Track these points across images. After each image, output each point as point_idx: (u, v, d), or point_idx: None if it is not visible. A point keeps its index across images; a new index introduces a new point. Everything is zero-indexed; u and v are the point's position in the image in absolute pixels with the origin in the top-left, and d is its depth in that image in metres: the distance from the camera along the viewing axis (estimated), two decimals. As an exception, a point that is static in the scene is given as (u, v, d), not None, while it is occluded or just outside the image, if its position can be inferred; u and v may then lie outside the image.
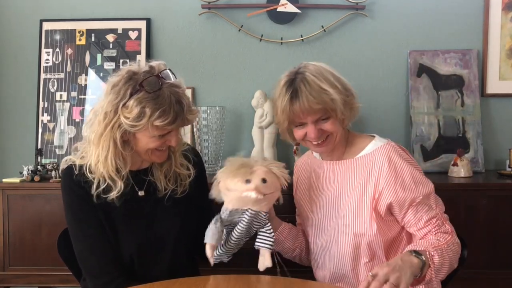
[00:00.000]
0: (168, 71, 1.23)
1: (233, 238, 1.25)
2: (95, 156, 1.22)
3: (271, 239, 1.25)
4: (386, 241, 1.30)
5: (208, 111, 2.13)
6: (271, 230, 1.26)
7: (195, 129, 2.17)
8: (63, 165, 1.30)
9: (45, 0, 2.31)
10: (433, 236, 1.24)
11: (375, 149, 1.32)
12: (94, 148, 1.22)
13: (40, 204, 1.90)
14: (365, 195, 1.29)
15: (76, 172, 1.25)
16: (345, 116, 1.31)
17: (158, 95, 1.16)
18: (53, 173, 1.96)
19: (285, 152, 2.23)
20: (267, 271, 1.27)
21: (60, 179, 1.90)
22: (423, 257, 1.13)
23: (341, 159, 1.38)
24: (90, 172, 1.24)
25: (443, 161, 2.12)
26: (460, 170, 1.98)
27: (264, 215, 1.24)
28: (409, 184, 1.26)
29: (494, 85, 2.22)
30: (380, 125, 2.24)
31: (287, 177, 1.26)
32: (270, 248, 1.24)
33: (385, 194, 1.27)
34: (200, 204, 1.40)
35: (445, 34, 2.23)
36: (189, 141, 2.21)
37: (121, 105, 1.17)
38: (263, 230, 1.26)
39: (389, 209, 1.28)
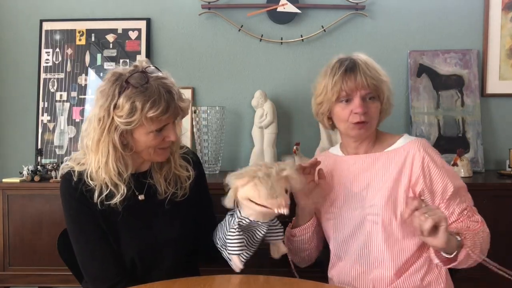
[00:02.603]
0: (153, 67, 1.23)
1: (255, 245, 1.27)
2: (95, 163, 1.21)
3: (281, 230, 1.28)
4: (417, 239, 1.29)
5: (208, 111, 2.13)
6: (278, 222, 1.28)
7: (195, 129, 2.17)
8: (61, 172, 1.29)
9: (45, 0, 2.32)
10: (463, 224, 1.27)
11: (407, 142, 1.35)
12: (93, 155, 1.21)
13: (40, 204, 1.90)
14: (400, 185, 1.31)
15: (75, 179, 1.24)
16: (385, 108, 1.38)
17: (146, 88, 1.16)
18: (53, 173, 1.96)
19: (285, 152, 2.23)
20: (269, 271, 1.28)
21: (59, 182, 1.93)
22: (458, 237, 1.17)
23: (369, 152, 1.39)
24: (91, 180, 1.23)
25: (443, 161, 2.12)
26: (460, 170, 1.98)
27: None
28: (443, 173, 1.30)
29: (494, 85, 2.22)
30: (380, 125, 2.23)
31: (302, 180, 1.25)
32: (282, 239, 1.28)
33: (420, 181, 1.29)
34: (201, 205, 1.40)
35: (445, 34, 2.24)
36: (189, 141, 2.21)
37: (112, 107, 1.16)
38: (270, 225, 1.27)
39: (421, 196, 1.30)
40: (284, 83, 2.28)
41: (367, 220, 1.32)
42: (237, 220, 1.22)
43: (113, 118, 1.17)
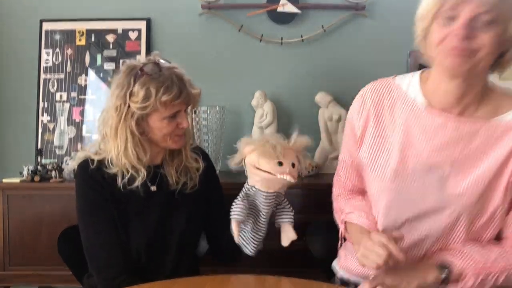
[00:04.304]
0: (164, 60, 1.30)
1: (262, 222, 1.25)
2: (115, 149, 1.26)
3: (291, 213, 1.27)
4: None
5: (208, 111, 2.13)
6: (289, 204, 1.28)
7: (195, 129, 2.17)
8: (78, 160, 1.33)
9: (45, 0, 2.32)
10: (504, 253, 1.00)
11: None
12: (112, 141, 1.26)
13: (40, 204, 1.90)
14: (503, 174, 1.00)
15: (92, 167, 1.28)
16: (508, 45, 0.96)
17: (160, 75, 1.23)
18: (53, 173, 1.96)
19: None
20: (269, 271, 1.28)
21: (61, 179, 1.94)
22: (444, 275, 0.99)
23: (470, 116, 1.02)
24: (112, 166, 1.27)
25: (443, 161, 2.12)
26: (460, 170, 1.97)
27: (284, 194, 1.26)
28: None
29: (494, 85, 2.22)
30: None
31: (305, 169, 1.26)
32: (291, 222, 1.26)
33: None
34: (211, 198, 1.43)
35: (445, 34, 2.23)
36: (189, 141, 2.21)
37: (128, 95, 1.23)
38: (280, 206, 1.27)
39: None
40: (284, 83, 2.28)
41: (446, 209, 1.03)
42: (244, 189, 1.24)
43: (129, 105, 1.23)
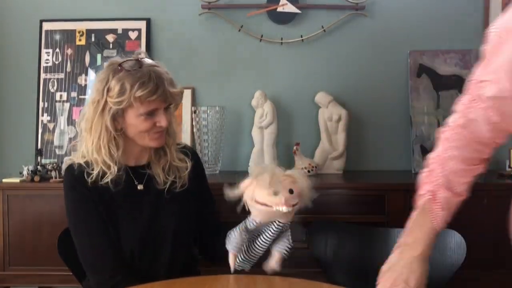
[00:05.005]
0: (149, 59, 1.29)
1: (259, 249, 1.23)
2: (90, 143, 1.25)
3: (289, 246, 1.23)
4: None
5: (208, 111, 2.13)
6: (290, 237, 1.24)
7: (195, 129, 2.17)
8: (64, 165, 1.33)
9: (45, 0, 2.32)
10: None
11: None
12: (87, 136, 1.26)
13: (40, 204, 1.90)
14: None
15: (76, 171, 1.27)
16: None
17: (138, 71, 1.22)
18: (53, 173, 1.96)
19: (285, 152, 2.23)
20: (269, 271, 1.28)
21: (60, 179, 1.93)
22: None
23: None
24: (87, 163, 1.27)
25: (443, 161, 2.12)
26: (461, 170, 1.96)
27: (288, 224, 1.23)
28: None
29: (494, 85, 2.22)
30: (380, 125, 2.24)
31: (311, 192, 1.22)
32: (284, 254, 1.23)
33: None
34: (200, 196, 1.42)
35: (445, 34, 2.24)
36: (189, 141, 2.21)
37: (105, 89, 1.22)
38: (281, 235, 1.23)
39: None
40: (284, 83, 2.28)
41: None
42: (245, 223, 1.21)
43: (106, 100, 1.22)
